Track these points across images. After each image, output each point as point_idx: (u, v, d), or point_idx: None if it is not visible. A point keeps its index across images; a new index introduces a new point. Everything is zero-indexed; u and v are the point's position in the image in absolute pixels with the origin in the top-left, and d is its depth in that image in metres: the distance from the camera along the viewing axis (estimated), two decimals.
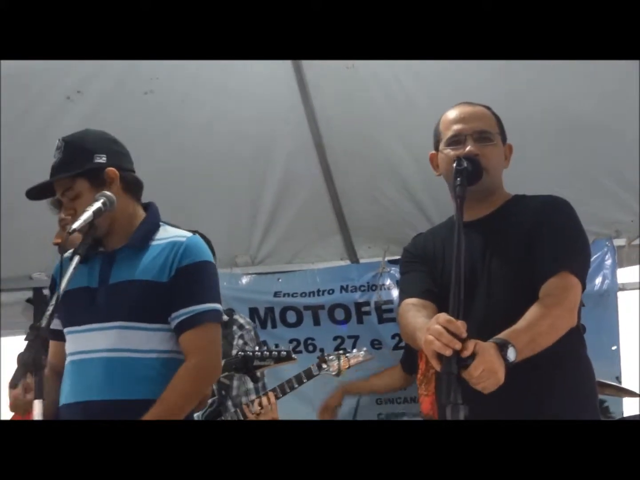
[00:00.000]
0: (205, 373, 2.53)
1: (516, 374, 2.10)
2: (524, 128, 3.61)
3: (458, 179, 2.34)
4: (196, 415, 3.41)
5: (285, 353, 3.46)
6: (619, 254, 4.32)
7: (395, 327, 4.04)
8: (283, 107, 4.06)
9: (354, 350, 3.80)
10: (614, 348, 4.20)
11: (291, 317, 4.70)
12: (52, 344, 2.69)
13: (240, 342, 3.74)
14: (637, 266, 4.39)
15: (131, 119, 3.93)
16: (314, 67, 3.85)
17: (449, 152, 2.47)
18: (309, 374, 3.61)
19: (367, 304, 4.60)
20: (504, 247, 2.43)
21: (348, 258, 4.77)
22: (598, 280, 4.22)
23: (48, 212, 3.23)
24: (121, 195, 2.57)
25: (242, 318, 3.89)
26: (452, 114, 2.53)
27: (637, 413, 3.94)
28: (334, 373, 3.67)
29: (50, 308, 2.19)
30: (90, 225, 2.41)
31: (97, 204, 2.43)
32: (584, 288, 2.39)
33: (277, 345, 3.71)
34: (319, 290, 4.67)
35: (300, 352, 4.51)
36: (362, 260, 4.76)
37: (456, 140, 2.47)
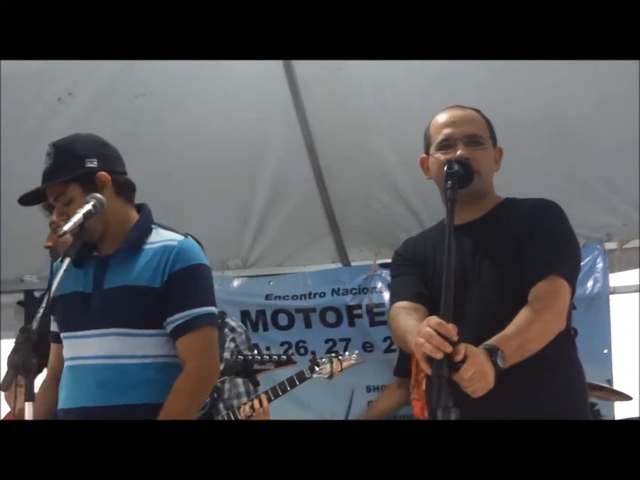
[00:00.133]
0: (205, 376, 2.55)
1: (506, 377, 2.09)
2: (515, 132, 3.62)
3: (449, 182, 2.33)
4: None
5: (285, 357, 3.48)
6: (610, 258, 4.33)
7: (387, 330, 4.02)
8: (275, 110, 4.06)
9: (346, 353, 3.79)
10: (605, 351, 4.22)
11: (283, 319, 4.70)
12: (53, 346, 2.71)
13: (232, 345, 3.73)
14: (634, 270, 4.39)
15: (122, 121, 3.92)
16: (305, 69, 3.85)
17: (440, 156, 2.45)
18: (301, 377, 3.59)
19: (359, 306, 4.61)
20: (495, 250, 2.43)
21: (339, 261, 4.77)
22: (589, 284, 4.24)
23: (39, 215, 3.22)
24: (113, 198, 2.57)
25: (233, 321, 3.88)
26: (442, 117, 2.52)
27: (637, 416, 3.94)
28: (326, 376, 3.67)
29: (41, 310, 2.19)
30: (80, 227, 2.41)
31: (87, 206, 2.43)
32: (573, 292, 2.38)
33: (268, 348, 3.71)
34: (310, 293, 4.68)
35: (291, 355, 4.50)
36: (353, 264, 4.76)
37: (447, 144, 2.46)
